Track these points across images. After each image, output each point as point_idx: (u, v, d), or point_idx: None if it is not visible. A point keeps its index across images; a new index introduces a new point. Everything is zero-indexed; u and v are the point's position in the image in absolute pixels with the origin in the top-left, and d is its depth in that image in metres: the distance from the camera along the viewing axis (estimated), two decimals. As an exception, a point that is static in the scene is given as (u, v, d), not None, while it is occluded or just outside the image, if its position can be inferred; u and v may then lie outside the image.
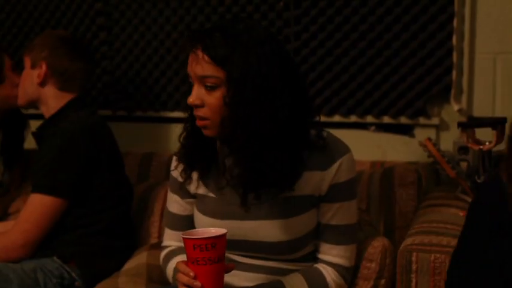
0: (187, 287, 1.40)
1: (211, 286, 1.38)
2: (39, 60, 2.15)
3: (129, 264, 2.02)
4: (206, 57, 1.46)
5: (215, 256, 1.36)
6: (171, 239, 1.73)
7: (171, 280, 1.68)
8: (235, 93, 1.45)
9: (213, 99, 1.47)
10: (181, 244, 1.66)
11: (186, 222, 1.69)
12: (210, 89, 1.47)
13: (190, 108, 1.55)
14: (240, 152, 1.47)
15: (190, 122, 1.58)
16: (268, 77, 1.45)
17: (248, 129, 1.44)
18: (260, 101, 1.44)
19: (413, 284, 1.62)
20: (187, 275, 1.39)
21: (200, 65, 1.47)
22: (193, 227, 1.66)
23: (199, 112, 1.50)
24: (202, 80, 1.48)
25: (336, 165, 1.54)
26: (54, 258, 2.00)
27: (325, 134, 1.58)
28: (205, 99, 1.48)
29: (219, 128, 1.49)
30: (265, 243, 1.56)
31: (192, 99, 1.49)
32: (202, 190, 1.64)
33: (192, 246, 1.36)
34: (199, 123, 1.51)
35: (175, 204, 1.71)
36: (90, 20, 2.71)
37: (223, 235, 1.38)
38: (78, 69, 2.17)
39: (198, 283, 1.38)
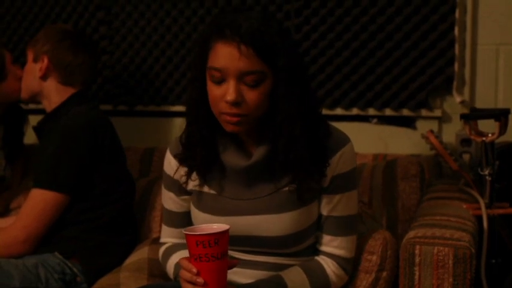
0: (191, 284, 1.38)
1: (215, 283, 1.36)
2: (42, 53, 2.13)
3: (131, 259, 2.02)
4: (251, 51, 1.38)
5: (218, 252, 1.34)
6: (168, 236, 1.72)
7: (172, 277, 1.67)
8: (287, 86, 1.42)
9: (257, 94, 1.41)
10: (179, 240, 1.66)
11: (183, 219, 1.66)
12: (255, 84, 1.40)
13: (195, 106, 1.49)
14: (288, 143, 1.44)
15: (195, 120, 1.51)
16: (303, 65, 1.49)
17: (298, 120, 1.43)
18: (305, 90, 1.46)
19: (416, 277, 1.61)
20: (190, 271, 1.37)
21: (245, 60, 1.38)
22: (190, 223, 1.63)
23: (238, 110, 1.41)
24: (244, 75, 1.40)
25: (337, 156, 1.53)
26: (56, 253, 2.00)
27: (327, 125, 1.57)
28: (247, 95, 1.41)
29: (252, 123, 1.45)
30: (267, 238, 1.54)
31: (233, 97, 1.39)
32: (200, 187, 1.59)
33: (194, 243, 1.33)
34: (233, 119, 1.42)
35: (170, 201, 1.68)
36: (90, 14, 2.70)
37: (226, 231, 1.36)
38: (81, 63, 2.16)
39: (201, 279, 1.36)
